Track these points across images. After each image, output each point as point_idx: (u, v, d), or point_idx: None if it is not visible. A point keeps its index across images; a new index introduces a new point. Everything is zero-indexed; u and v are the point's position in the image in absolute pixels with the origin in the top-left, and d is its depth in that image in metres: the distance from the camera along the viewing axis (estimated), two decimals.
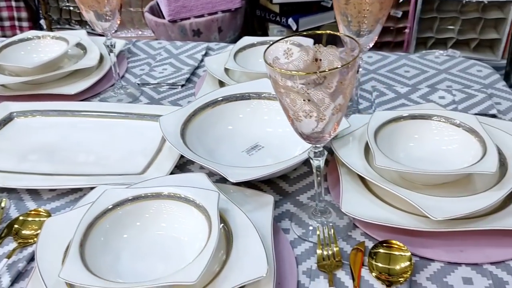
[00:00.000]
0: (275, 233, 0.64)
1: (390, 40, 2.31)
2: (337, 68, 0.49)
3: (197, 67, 1.11)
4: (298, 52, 0.57)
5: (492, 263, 0.59)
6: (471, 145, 0.70)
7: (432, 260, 0.61)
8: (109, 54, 0.97)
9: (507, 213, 0.63)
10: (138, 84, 1.05)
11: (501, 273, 0.58)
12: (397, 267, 0.58)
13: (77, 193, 0.75)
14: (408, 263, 0.58)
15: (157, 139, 0.83)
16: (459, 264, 0.60)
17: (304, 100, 0.51)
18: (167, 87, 1.04)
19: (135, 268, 0.58)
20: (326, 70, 0.50)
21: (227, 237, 0.60)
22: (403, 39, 2.32)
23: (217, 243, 0.55)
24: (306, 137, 0.58)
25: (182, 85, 1.04)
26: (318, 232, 0.64)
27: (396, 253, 0.59)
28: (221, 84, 0.97)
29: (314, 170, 0.63)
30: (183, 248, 0.60)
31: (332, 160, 0.77)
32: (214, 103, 0.84)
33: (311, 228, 0.67)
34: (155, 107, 0.93)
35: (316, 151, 0.60)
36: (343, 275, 0.59)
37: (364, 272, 0.59)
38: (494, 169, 0.63)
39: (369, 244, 0.63)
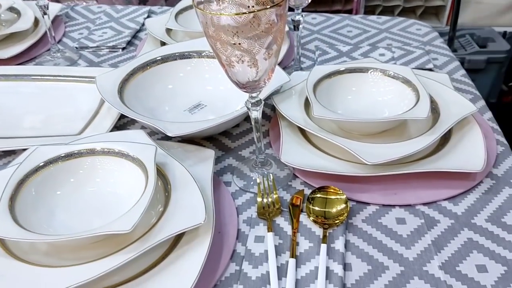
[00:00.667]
0: (216, 186, 0.65)
1: (339, 9, 2.33)
2: (266, 8, 0.49)
3: (139, 30, 1.08)
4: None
5: (424, 204, 0.62)
6: (405, 95, 0.72)
7: (368, 204, 0.62)
8: (43, 17, 0.93)
9: (438, 157, 0.65)
10: (76, 47, 1.01)
11: (432, 212, 0.61)
12: (333, 209, 0.59)
13: (11, 156, 0.72)
14: (343, 205, 0.60)
15: (95, 101, 0.81)
16: (393, 206, 0.62)
17: (234, 44, 0.51)
18: (107, 50, 1.01)
19: (70, 225, 0.57)
20: (255, 10, 0.50)
21: (166, 191, 0.60)
22: (351, 7, 2.34)
23: (154, 193, 0.55)
24: (242, 86, 0.58)
25: (123, 48, 1.01)
26: (258, 181, 0.65)
27: (332, 197, 0.61)
28: (163, 45, 0.95)
29: (253, 122, 0.63)
30: (120, 203, 0.59)
31: (274, 116, 0.78)
32: (153, 62, 0.82)
33: (252, 179, 0.67)
34: (93, 69, 0.90)
35: (252, 101, 0.60)
36: (282, 221, 0.60)
37: (303, 217, 0.60)
38: (426, 115, 0.65)
39: (308, 192, 0.64)
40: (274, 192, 0.63)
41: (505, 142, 0.71)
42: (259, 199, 0.62)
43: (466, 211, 0.60)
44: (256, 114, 0.62)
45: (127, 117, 0.81)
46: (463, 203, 0.61)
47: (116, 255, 0.50)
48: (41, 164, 0.59)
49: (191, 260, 0.53)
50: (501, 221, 0.59)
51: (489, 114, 0.78)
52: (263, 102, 0.61)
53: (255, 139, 0.66)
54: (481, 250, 0.55)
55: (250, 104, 0.61)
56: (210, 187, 0.62)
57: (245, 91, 0.59)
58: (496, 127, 0.75)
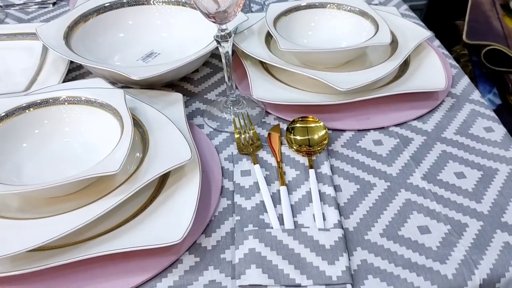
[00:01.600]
0: (190, 129, 0.62)
1: None
2: None
3: None
4: None
5: (396, 125, 0.64)
6: (364, 27, 0.73)
7: (344, 131, 0.63)
8: None
9: (403, 81, 0.68)
10: (1, 6, 0.92)
11: (405, 132, 0.63)
12: (315, 136, 0.60)
13: None
14: (324, 131, 0.60)
15: (35, 58, 0.74)
16: (368, 130, 0.63)
17: None
18: (36, 6, 0.92)
19: (42, 177, 0.52)
20: None
21: (141, 136, 0.56)
22: None
23: (133, 133, 0.52)
24: (211, 16, 0.55)
25: (54, 3, 0.93)
26: (233, 118, 0.63)
27: (312, 125, 0.61)
28: None
29: (223, 58, 0.61)
30: (94, 152, 0.54)
31: (235, 57, 0.76)
32: (99, 9, 0.76)
33: (225, 120, 0.65)
34: (26, 25, 0.82)
35: (222, 33, 0.58)
36: (264, 154, 0.59)
37: (284, 149, 0.60)
38: (389, 40, 0.67)
39: (283, 127, 0.64)
40: (251, 128, 0.62)
41: (457, 64, 0.76)
42: (237, 136, 0.61)
43: (435, 127, 0.63)
44: (227, 47, 0.60)
45: (76, 70, 0.75)
46: (431, 121, 0.64)
47: (102, 200, 0.47)
48: (2, 115, 0.53)
49: (182, 198, 0.50)
50: (468, 133, 0.62)
51: (437, 42, 0.81)
52: (233, 35, 0.59)
53: (226, 77, 0.64)
54: (456, 159, 0.58)
55: (220, 38, 0.59)
56: (187, 128, 0.59)
57: (213, 21, 0.56)
58: (446, 52, 0.79)
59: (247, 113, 0.65)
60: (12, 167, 0.52)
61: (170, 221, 0.48)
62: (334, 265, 0.46)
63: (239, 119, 0.63)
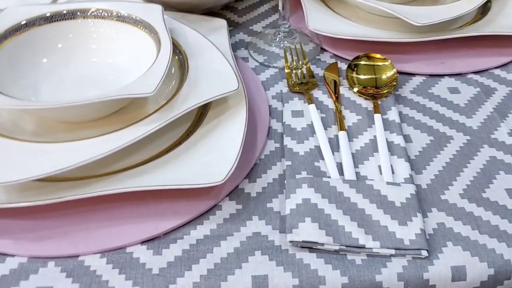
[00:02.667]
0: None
1: None
2: None
3: None
4: None
5: (475, 72, 0.54)
6: None
7: (413, 74, 0.54)
8: None
9: (485, 23, 0.57)
10: None
11: (486, 80, 0.53)
12: (383, 76, 0.50)
13: None
14: (393, 71, 0.51)
15: None
16: (442, 75, 0.54)
17: None
18: None
19: (63, 99, 0.44)
20: None
21: (179, 63, 0.48)
22: None
23: (172, 54, 0.43)
24: None
25: None
26: (284, 50, 0.54)
27: (379, 63, 0.51)
28: None
29: None
30: (124, 75, 0.46)
31: None
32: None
33: (273, 54, 0.56)
34: None
35: None
36: (320, 95, 0.50)
37: (343, 90, 0.51)
38: None
39: (341, 66, 0.54)
40: (305, 63, 0.53)
41: None
42: (287, 71, 0.52)
43: None
44: None
45: None
46: None
47: (131, 128, 0.39)
48: (19, 25, 0.45)
49: (225, 135, 0.42)
50: None
51: None
52: None
53: (280, 4, 0.54)
54: None
55: None
56: (232, 57, 0.50)
57: None
58: None
59: (301, 46, 0.55)
60: (29, 83, 0.44)
61: (210, 159, 0.40)
62: (406, 226, 0.38)
63: (290, 53, 0.54)
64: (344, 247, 0.37)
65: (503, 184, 0.42)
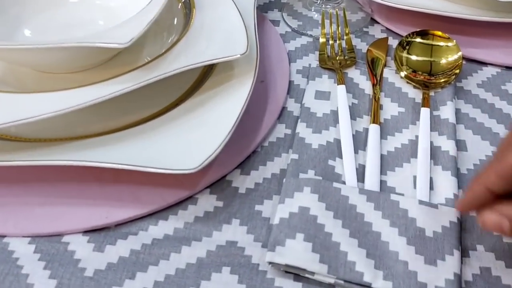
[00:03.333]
0: (259, 23, 0.43)
1: None
2: None
3: None
4: None
5: None
6: None
7: (485, 64, 0.42)
8: None
9: None
10: None
11: None
12: (442, 60, 0.39)
13: None
14: (457, 55, 0.39)
15: None
16: None
17: None
18: None
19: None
20: None
21: (185, 15, 0.39)
22: None
23: (168, 10, 0.35)
24: None
25: None
26: (323, 16, 0.44)
27: (440, 43, 0.40)
28: None
29: None
30: (119, 20, 0.38)
31: None
32: None
33: (310, 19, 0.46)
34: None
35: None
36: (356, 75, 0.40)
37: (388, 72, 0.40)
38: None
39: (393, 43, 0.43)
40: (346, 33, 0.43)
41: None
42: (322, 40, 0.42)
43: None
44: None
45: None
46: None
47: (102, 85, 0.31)
48: None
49: (219, 109, 0.33)
50: None
51: None
52: None
53: None
54: None
55: None
56: (253, 15, 0.41)
57: None
58: None
59: (344, 13, 0.45)
60: (7, 24, 0.37)
61: (192, 138, 0.31)
62: (435, 266, 0.27)
63: (330, 21, 0.44)
64: (342, 282, 0.27)
65: None
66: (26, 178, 0.31)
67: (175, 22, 0.39)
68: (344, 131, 0.34)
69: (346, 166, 0.32)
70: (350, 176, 0.32)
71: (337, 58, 0.41)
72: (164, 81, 0.32)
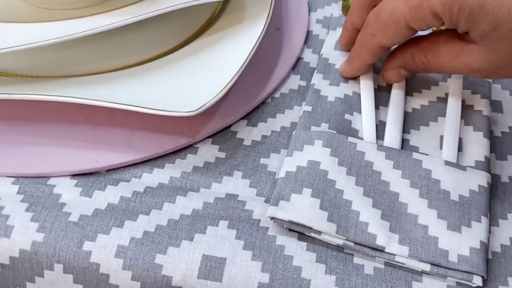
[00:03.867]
0: None
1: None
2: None
3: None
4: None
5: None
6: None
7: None
8: None
9: None
10: None
11: None
12: None
13: None
14: None
15: None
16: None
17: None
18: None
19: None
20: None
21: None
22: None
23: None
24: None
25: None
26: None
27: None
28: None
29: None
30: None
31: None
32: None
33: None
34: None
35: None
36: None
37: None
38: None
39: None
40: None
41: None
42: None
43: None
44: None
45: None
46: None
47: (97, 17, 0.28)
48: None
49: (227, 52, 0.30)
50: None
51: None
52: None
53: None
54: None
55: None
56: None
57: None
58: None
59: None
60: None
61: (193, 80, 0.29)
62: (458, 232, 0.24)
63: None
64: (352, 244, 0.24)
65: None
66: (14, 115, 0.29)
67: None
68: (366, 83, 0.31)
69: (365, 120, 0.29)
70: (368, 131, 0.29)
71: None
72: (170, 22, 0.30)
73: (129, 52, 0.31)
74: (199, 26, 0.33)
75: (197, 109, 0.26)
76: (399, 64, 0.29)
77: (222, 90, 0.27)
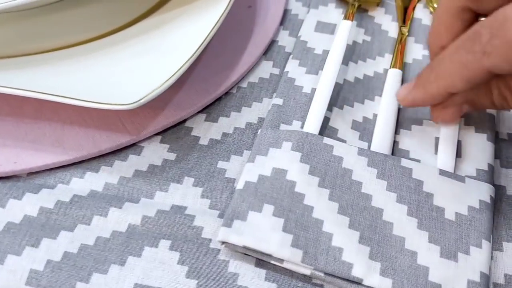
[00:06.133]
0: None
1: None
2: None
3: None
4: None
5: None
6: None
7: None
8: None
9: None
10: None
11: None
12: None
13: None
14: None
15: None
16: None
17: None
18: None
19: None
20: None
21: None
22: None
23: None
24: None
25: None
26: None
27: None
28: None
29: None
30: None
31: None
32: None
33: None
34: None
35: None
36: (380, 14, 0.31)
37: (420, 12, 0.31)
38: None
39: None
40: None
41: None
42: None
43: None
44: None
45: None
46: None
47: None
48: None
49: (181, 33, 0.25)
50: None
51: None
52: None
53: None
54: None
55: None
56: None
57: None
58: None
59: None
60: None
61: (137, 66, 0.24)
62: (454, 261, 0.20)
63: None
64: (322, 275, 0.19)
65: None
66: None
67: None
68: (327, 77, 0.26)
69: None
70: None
71: None
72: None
73: (66, 31, 0.26)
74: (154, 2, 0.28)
75: (139, 101, 0.21)
76: (468, 98, 0.22)
77: (171, 77, 0.22)
